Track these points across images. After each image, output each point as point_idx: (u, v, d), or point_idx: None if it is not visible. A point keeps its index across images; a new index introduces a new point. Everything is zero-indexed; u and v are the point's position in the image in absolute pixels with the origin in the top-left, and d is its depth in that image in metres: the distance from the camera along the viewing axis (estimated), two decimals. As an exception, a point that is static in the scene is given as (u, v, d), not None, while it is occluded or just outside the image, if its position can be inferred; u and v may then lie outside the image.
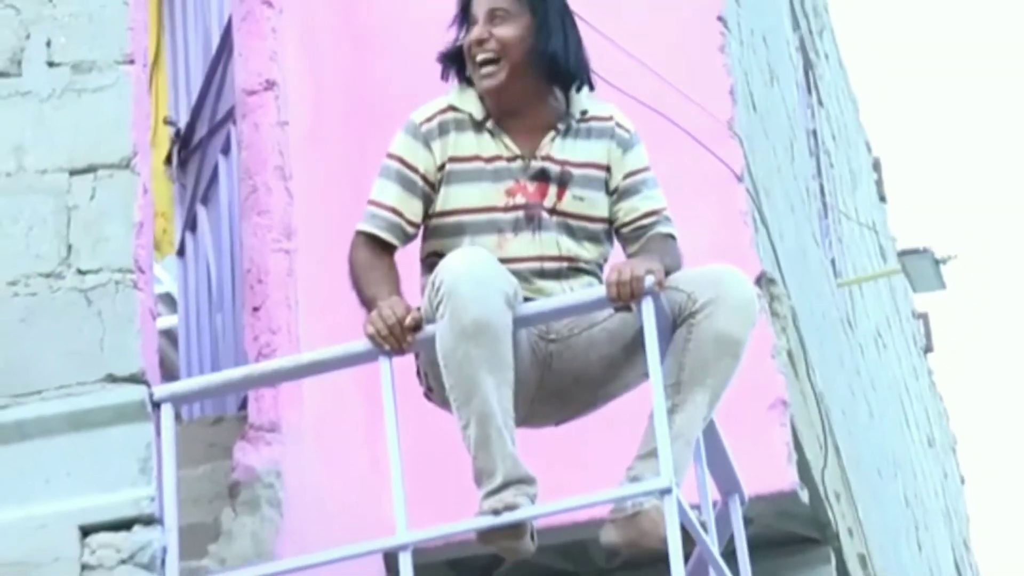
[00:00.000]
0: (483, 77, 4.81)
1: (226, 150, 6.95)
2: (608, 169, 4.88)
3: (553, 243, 4.81)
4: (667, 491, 4.60)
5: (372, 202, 4.83)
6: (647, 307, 4.71)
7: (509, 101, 4.83)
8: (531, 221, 4.80)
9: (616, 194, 4.89)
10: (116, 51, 5.20)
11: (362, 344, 4.80)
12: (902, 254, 11.82)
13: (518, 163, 4.82)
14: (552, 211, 4.81)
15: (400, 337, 4.64)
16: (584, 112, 4.89)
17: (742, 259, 7.13)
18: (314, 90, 6.75)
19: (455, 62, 4.90)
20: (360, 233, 4.81)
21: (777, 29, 9.22)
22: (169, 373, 7.37)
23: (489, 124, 4.84)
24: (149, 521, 4.81)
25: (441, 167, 4.82)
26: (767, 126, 8.23)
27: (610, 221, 4.91)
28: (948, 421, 16.16)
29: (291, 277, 6.19)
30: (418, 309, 4.65)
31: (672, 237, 4.94)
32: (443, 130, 4.84)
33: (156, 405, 4.90)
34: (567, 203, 4.82)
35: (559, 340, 4.79)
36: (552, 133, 4.84)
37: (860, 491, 8.74)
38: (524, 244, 4.80)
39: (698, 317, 4.72)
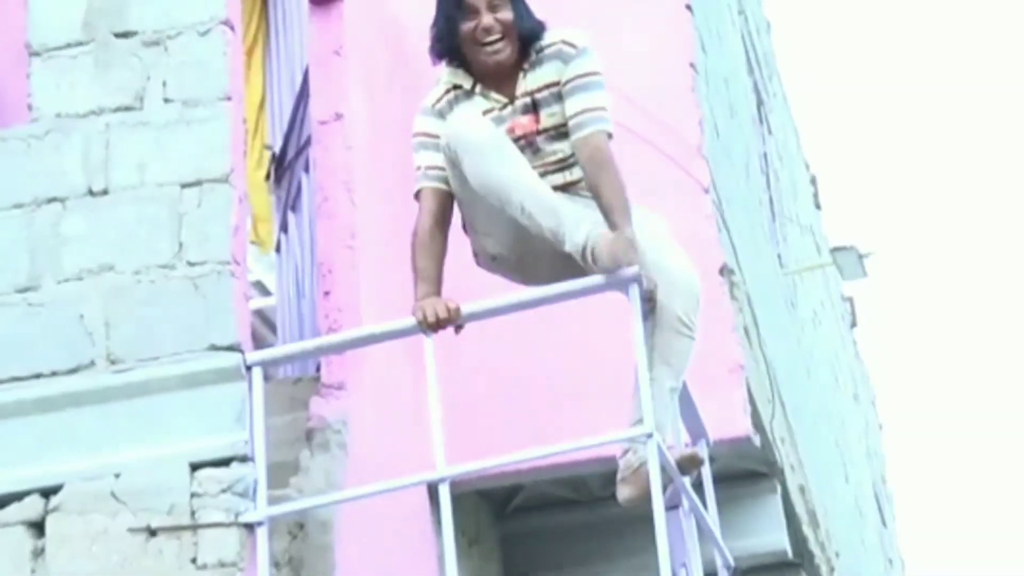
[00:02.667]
0: (492, 54, 4.80)
1: (307, 169, 6.97)
2: (559, 83, 4.84)
3: (550, 153, 4.83)
4: (649, 436, 4.59)
5: (417, 168, 4.87)
6: (633, 291, 4.70)
7: (504, 66, 4.82)
8: (531, 146, 4.82)
9: (564, 94, 4.84)
10: (217, 90, 5.19)
11: (410, 321, 4.80)
12: (833, 250, 11.77)
13: (508, 109, 4.83)
14: (540, 132, 4.82)
15: (439, 327, 4.68)
16: (538, 48, 4.85)
17: (709, 254, 7.11)
18: (372, 121, 6.74)
19: (446, 50, 4.86)
20: (420, 192, 4.83)
21: (736, 74, 9.19)
22: (258, 343, 7.38)
23: (477, 89, 4.84)
24: (243, 459, 4.81)
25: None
26: (728, 150, 8.21)
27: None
28: (869, 381, 16.15)
29: (354, 268, 6.19)
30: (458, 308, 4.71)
31: (597, 134, 4.80)
32: (450, 105, 4.85)
33: (248, 368, 4.89)
34: (545, 121, 4.82)
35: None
36: (520, 75, 4.83)
37: (800, 436, 8.73)
38: (530, 161, 4.81)
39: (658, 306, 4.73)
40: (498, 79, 4.85)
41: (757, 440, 7.03)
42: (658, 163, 7.13)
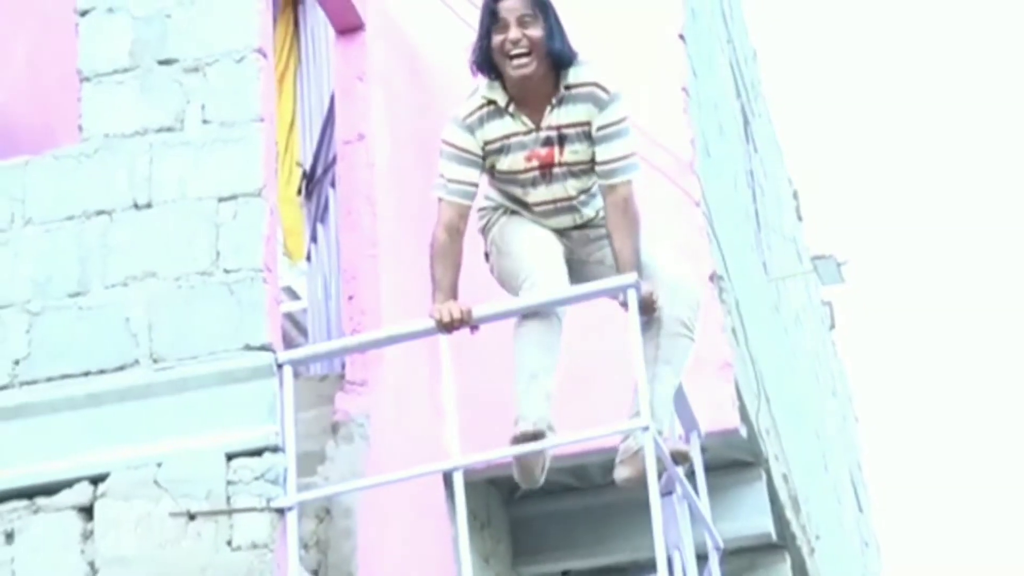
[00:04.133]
0: (518, 67, 4.75)
1: (334, 184, 6.95)
2: (589, 124, 4.82)
3: (562, 188, 4.81)
4: (646, 428, 4.58)
5: (441, 175, 4.82)
6: (631, 297, 4.70)
7: (530, 83, 4.77)
8: (544, 177, 4.80)
9: (595, 140, 4.82)
10: (251, 113, 5.18)
11: (427, 323, 4.78)
12: (813, 258, 11.73)
13: (532, 135, 4.80)
14: (559, 164, 4.80)
15: (454, 327, 4.69)
16: (568, 85, 4.80)
17: (700, 262, 7.09)
18: (393, 141, 6.73)
19: (485, 64, 4.82)
20: (441, 201, 4.81)
21: (725, 97, 9.17)
22: (288, 344, 7.37)
23: (511, 108, 4.80)
24: (275, 449, 4.79)
25: (482, 147, 4.81)
26: (718, 166, 8.18)
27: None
28: (846, 378, 16.10)
29: (376, 275, 6.18)
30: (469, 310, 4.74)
31: (625, 184, 4.82)
32: (480, 121, 4.81)
33: (279, 366, 4.89)
34: (567, 156, 4.80)
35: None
36: (549, 107, 4.79)
37: (783, 428, 8.70)
38: (541, 192, 4.81)
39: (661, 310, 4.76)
40: (529, 104, 4.79)
41: (744, 432, 7.01)
42: (653, 179, 7.10)
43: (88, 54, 5.32)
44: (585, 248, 4.89)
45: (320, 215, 7.31)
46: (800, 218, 13.51)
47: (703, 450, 5.41)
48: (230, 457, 4.80)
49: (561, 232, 4.88)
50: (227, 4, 5.27)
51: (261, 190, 5.08)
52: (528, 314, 4.69)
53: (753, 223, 9.88)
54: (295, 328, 8.81)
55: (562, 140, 4.79)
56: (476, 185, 4.83)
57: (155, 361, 4.93)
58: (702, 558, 5.16)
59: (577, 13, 7.62)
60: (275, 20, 7.38)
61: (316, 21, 7.93)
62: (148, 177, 5.15)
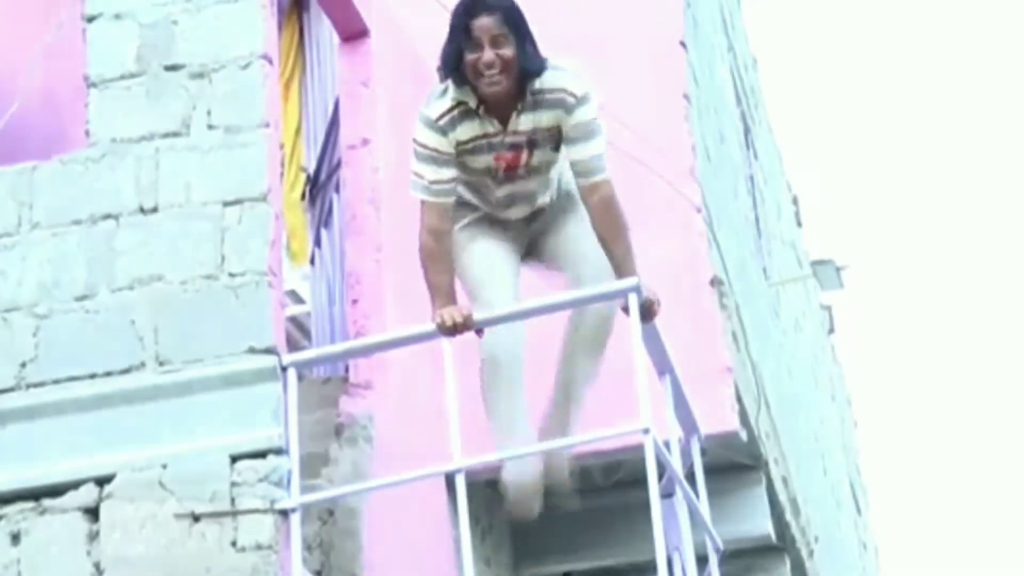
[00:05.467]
0: (491, 85, 4.77)
1: (338, 189, 6.95)
2: (558, 129, 4.85)
3: (523, 185, 4.87)
4: (646, 431, 4.57)
5: (418, 176, 4.86)
6: (632, 300, 4.70)
7: (501, 97, 4.80)
8: (509, 178, 4.86)
9: (568, 142, 4.85)
10: (257, 118, 5.17)
11: (430, 327, 4.78)
12: (813, 263, 11.76)
13: (499, 138, 4.83)
14: (526, 167, 4.85)
15: (456, 331, 4.72)
16: (535, 91, 4.81)
17: (700, 267, 7.10)
18: (397, 146, 6.72)
19: (453, 68, 4.83)
20: (424, 203, 4.86)
21: (725, 104, 9.17)
22: (292, 347, 7.37)
23: (480, 111, 4.82)
24: (278, 451, 4.78)
25: (454, 147, 4.84)
26: (718, 172, 8.18)
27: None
28: (845, 382, 16.09)
29: (380, 279, 6.18)
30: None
31: (602, 183, 4.85)
32: (453, 123, 4.83)
33: (284, 369, 4.88)
34: (535, 160, 4.85)
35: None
36: (516, 112, 4.81)
37: (783, 431, 8.69)
38: (504, 189, 4.87)
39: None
40: (498, 108, 4.82)
41: (744, 435, 7.01)
42: (655, 185, 7.12)
43: (95, 60, 5.32)
44: (541, 222, 4.97)
45: (324, 219, 7.32)
46: (800, 224, 13.51)
47: (703, 453, 5.41)
48: (235, 459, 4.78)
49: (516, 224, 4.94)
50: (233, 11, 5.27)
51: (266, 195, 5.08)
52: (489, 359, 4.77)
53: (753, 229, 9.88)
54: (299, 331, 8.81)
55: (531, 145, 4.83)
56: (455, 182, 4.87)
57: (161, 364, 4.93)
58: (702, 560, 5.16)
59: (578, 20, 7.66)
60: (280, 26, 7.39)
61: (321, 27, 7.94)
62: (154, 182, 5.15)
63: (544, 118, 4.81)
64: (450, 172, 4.83)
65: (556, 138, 4.84)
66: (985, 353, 38.64)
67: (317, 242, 7.44)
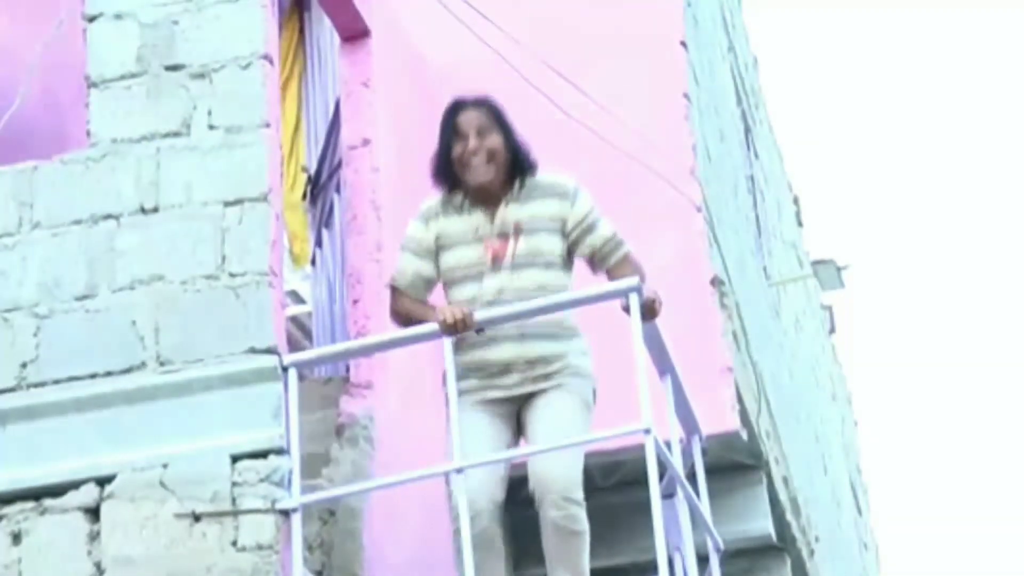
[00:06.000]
0: (476, 175, 4.86)
1: (339, 189, 6.95)
2: (564, 221, 4.88)
3: (509, 279, 4.83)
4: (647, 431, 4.56)
5: (398, 266, 4.98)
6: (633, 300, 4.70)
7: (489, 188, 4.88)
8: (494, 268, 4.85)
9: (576, 233, 4.89)
10: (257, 118, 5.17)
11: (430, 327, 4.78)
12: (813, 263, 11.76)
13: (488, 227, 4.87)
14: (512, 256, 4.84)
15: (456, 329, 4.71)
16: (525, 183, 4.89)
17: (701, 267, 7.10)
18: (397, 146, 6.73)
19: (444, 176, 4.93)
20: (394, 290, 4.97)
21: (726, 103, 9.17)
22: (293, 347, 7.36)
23: (465, 205, 4.90)
24: (279, 452, 4.78)
25: (436, 239, 4.92)
26: (719, 172, 8.18)
27: (569, 252, 4.92)
28: (845, 382, 16.09)
29: (380, 279, 6.17)
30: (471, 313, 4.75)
31: (629, 253, 4.96)
32: (436, 215, 4.93)
33: (284, 369, 4.88)
34: (521, 248, 4.85)
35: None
36: (504, 203, 4.88)
37: (783, 431, 8.69)
38: (492, 282, 4.83)
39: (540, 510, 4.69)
40: (487, 199, 4.88)
41: (745, 435, 7.01)
42: (655, 185, 7.12)
43: (96, 60, 5.32)
44: (532, 393, 4.83)
45: (325, 220, 7.31)
46: (800, 223, 13.51)
47: (704, 453, 5.41)
48: (235, 459, 4.78)
49: (505, 402, 4.82)
50: (234, 11, 5.27)
51: (267, 195, 5.07)
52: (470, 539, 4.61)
53: (754, 228, 9.88)
54: (300, 332, 8.82)
55: (517, 233, 4.85)
56: (430, 279, 4.94)
57: (161, 364, 4.93)
58: (703, 560, 5.16)
59: (579, 20, 7.66)
60: (281, 26, 7.39)
61: (322, 27, 7.93)
62: (155, 182, 5.14)
63: (539, 208, 4.87)
64: (426, 266, 4.91)
65: (555, 230, 4.87)
66: (986, 353, 38.64)
67: (318, 242, 7.43)
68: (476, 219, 4.88)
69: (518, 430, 4.86)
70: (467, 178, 4.88)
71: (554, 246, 4.88)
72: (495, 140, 4.86)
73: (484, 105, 4.93)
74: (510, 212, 4.87)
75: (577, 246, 4.91)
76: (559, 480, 4.62)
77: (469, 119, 4.89)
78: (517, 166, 4.88)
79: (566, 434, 4.67)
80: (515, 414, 4.84)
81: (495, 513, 4.71)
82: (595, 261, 4.93)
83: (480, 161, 4.84)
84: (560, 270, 4.90)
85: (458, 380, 4.75)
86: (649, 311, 4.72)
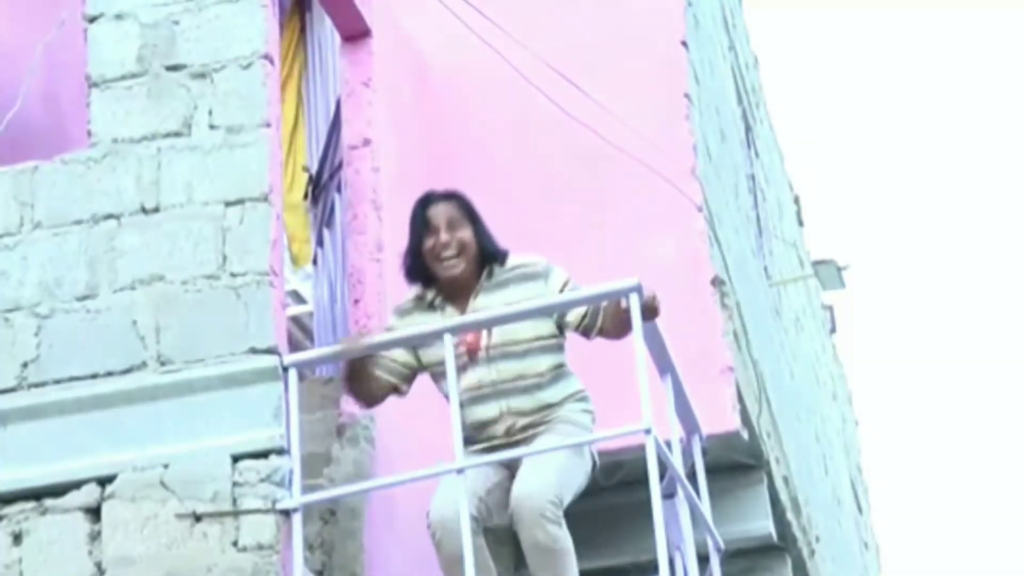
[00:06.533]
0: (447, 268, 4.90)
1: (340, 189, 6.95)
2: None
3: (486, 372, 4.84)
4: (648, 431, 4.56)
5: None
6: (634, 300, 4.69)
7: (460, 280, 4.90)
8: (471, 360, 4.86)
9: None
10: (258, 118, 5.17)
11: (432, 326, 4.79)
12: (814, 263, 11.73)
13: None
14: (487, 348, 4.85)
15: (356, 351, 4.86)
16: (495, 273, 4.91)
17: (701, 267, 7.10)
18: (398, 145, 6.73)
19: (417, 271, 4.96)
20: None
21: (726, 103, 9.17)
22: (294, 347, 7.37)
23: (437, 302, 4.94)
24: (280, 452, 4.78)
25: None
26: (719, 172, 8.18)
27: (559, 328, 4.90)
28: (846, 381, 16.09)
29: (381, 279, 6.17)
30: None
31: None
32: (411, 311, 4.98)
33: (285, 369, 4.88)
34: (495, 339, 4.86)
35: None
36: (473, 296, 4.90)
37: (784, 431, 8.69)
38: (471, 376, 4.85)
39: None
40: (457, 296, 4.91)
41: (745, 435, 7.01)
42: (656, 184, 7.11)
43: (97, 60, 5.32)
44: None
45: (326, 220, 7.31)
46: (801, 223, 13.52)
47: (704, 453, 5.41)
48: (236, 459, 4.78)
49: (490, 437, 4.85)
50: (234, 11, 5.27)
51: (267, 195, 5.07)
52: (436, 524, 4.70)
53: (754, 228, 9.88)
54: (301, 332, 8.82)
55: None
56: (405, 367, 4.97)
57: (162, 364, 4.93)
58: (703, 559, 5.16)
59: (580, 20, 7.66)
60: (282, 26, 7.39)
61: (322, 27, 7.94)
62: (156, 182, 5.15)
63: (512, 295, 4.86)
64: (399, 353, 4.94)
65: (533, 312, 4.83)
66: (986, 351, 38.64)
67: (319, 242, 7.43)
68: (449, 315, 4.92)
69: (511, 477, 4.81)
70: (438, 272, 4.92)
71: (533, 330, 4.86)
72: (465, 233, 4.91)
73: (453, 198, 4.98)
74: (480, 304, 4.88)
75: (567, 320, 4.87)
76: (533, 498, 4.61)
77: (439, 212, 4.93)
78: (486, 257, 4.91)
79: (549, 459, 4.68)
80: (507, 465, 4.83)
81: (473, 527, 4.69)
82: (587, 323, 4.87)
83: (451, 254, 4.89)
84: (541, 354, 4.87)
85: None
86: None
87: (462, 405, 4.78)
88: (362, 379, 4.94)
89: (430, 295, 4.96)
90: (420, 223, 4.95)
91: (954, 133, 42.71)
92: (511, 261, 4.96)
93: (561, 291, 4.87)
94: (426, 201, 5.00)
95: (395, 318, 5.03)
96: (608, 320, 4.79)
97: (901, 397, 37.87)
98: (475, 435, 4.86)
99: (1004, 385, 37.95)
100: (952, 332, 40.00)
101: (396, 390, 5.03)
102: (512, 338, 4.85)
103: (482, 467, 4.79)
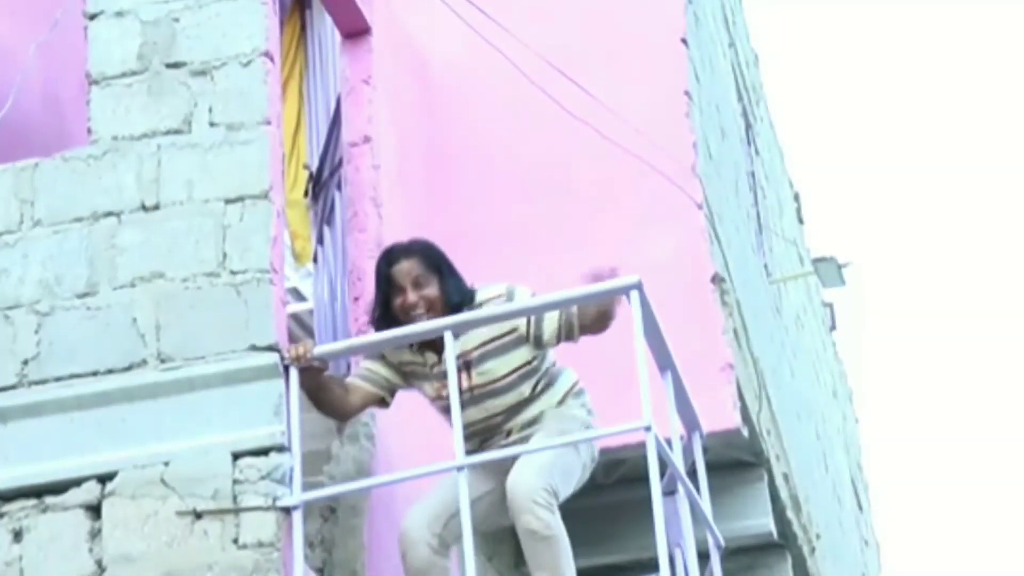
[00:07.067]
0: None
1: (340, 186, 6.95)
2: (514, 329, 4.86)
3: (476, 411, 4.83)
4: (648, 428, 4.57)
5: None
6: (633, 296, 4.69)
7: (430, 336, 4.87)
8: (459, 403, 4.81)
9: (533, 326, 4.86)
10: (258, 115, 5.17)
11: (432, 324, 4.79)
12: (814, 260, 11.73)
13: (436, 369, 4.90)
14: (472, 388, 4.83)
15: (304, 360, 4.84)
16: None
17: (701, 264, 7.10)
18: (398, 143, 6.73)
19: (385, 323, 4.95)
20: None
21: (726, 100, 9.17)
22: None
23: (415, 346, 4.95)
24: (280, 449, 4.78)
25: (398, 364, 5.01)
26: (719, 169, 8.18)
27: (538, 346, 4.88)
28: (846, 379, 16.09)
29: (381, 276, 6.17)
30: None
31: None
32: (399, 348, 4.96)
33: (286, 367, 4.88)
34: (476, 380, 4.86)
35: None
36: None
37: (784, 429, 8.70)
38: (461, 416, 4.79)
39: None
40: (430, 342, 4.89)
41: (745, 432, 7.02)
42: (656, 182, 7.12)
43: (97, 57, 5.32)
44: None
45: (326, 217, 7.31)
46: (801, 220, 13.52)
47: (705, 450, 5.41)
48: (237, 456, 4.78)
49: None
50: (235, 8, 5.27)
51: (268, 192, 5.07)
52: (401, 537, 4.80)
53: (754, 225, 9.88)
54: (301, 329, 8.80)
55: (468, 366, 4.84)
56: (387, 381, 4.99)
57: (162, 361, 4.93)
58: (704, 557, 5.16)
59: (580, 17, 7.66)
60: (282, 24, 7.38)
61: (323, 25, 7.93)
62: (156, 179, 5.15)
63: (485, 331, 4.85)
64: (379, 366, 4.99)
65: (508, 345, 4.85)
66: (987, 349, 38.66)
67: (319, 239, 7.43)
68: (428, 357, 4.94)
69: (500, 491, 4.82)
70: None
71: (510, 364, 4.86)
72: (431, 290, 4.89)
73: (416, 253, 4.95)
74: (458, 348, 4.84)
75: (542, 334, 4.86)
76: (525, 484, 4.64)
77: (403, 271, 4.92)
78: (454, 308, 4.86)
79: (539, 456, 4.69)
80: (501, 472, 4.84)
81: (436, 546, 4.75)
82: (568, 335, 4.86)
83: (420, 313, 4.88)
84: (524, 381, 4.87)
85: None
86: (603, 316, 4.71)
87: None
88: (320, 395, 4.90)
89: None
90: (385, 282, 4.94)
91: (955, 130, 42.73)
92: (478, 296, 4.93)
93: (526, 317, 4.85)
94: (389, 259, 4.97)
95: (374, 358, 5.03)
96: (586, 317, 4.78)
97: (902, 395, 37.89)
98: (470, 437, 4.87)
99: (1007, 383, 37.97)
100: (953, 329, 40.03)
101: (382, 402, 5.05)
102: (493, 376, 4.87)
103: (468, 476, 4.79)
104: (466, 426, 4.79)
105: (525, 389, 4.88)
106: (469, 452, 4.79)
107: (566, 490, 4.76)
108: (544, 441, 4.78)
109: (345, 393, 4.98)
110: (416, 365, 4.97)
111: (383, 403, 5.07)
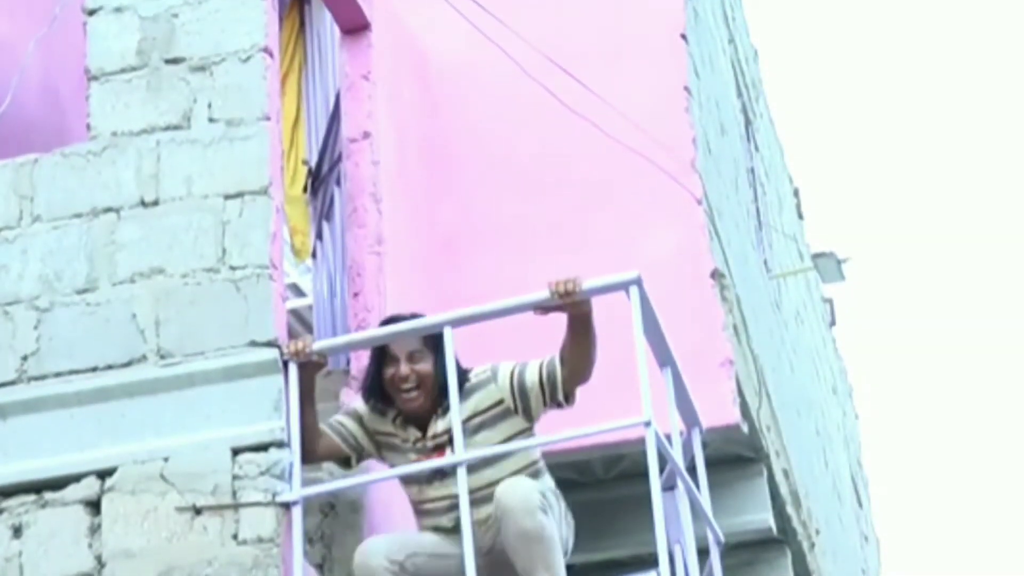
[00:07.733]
0: (408, 401, 4.87)
1: (339, 182, 6.95)
2: (501, 401, 4.85)
3: (453, 485, 4.75)
4: (648, 424, 4.57)
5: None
6: (633, 293, 4.69)
7: (419, 411, 4.87)
8: (440, 477, 4.83)
9: (519, 396, 4.84)
10: (258, 111, 5.17)
11: (432, 320, 4.79)
12: (814, 256, 11.73)
13: (419, 444, 4.87)
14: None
15: (303, 356, 4.85)
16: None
17: (701, 260, 7.10)
18: (397, 139, 6.73)
19: (375, 392, 4.94)
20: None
21: (726, 96, 9.17)
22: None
23: (398, 421, 4.92)
24: (280, 445, 4.79)
25: (373, 433, 4.97)
26: (719, 165, 8.18)
27: (528, 418, 4.86)
28: (846, 375, 16.10)
29: (380, 272, 6.18)
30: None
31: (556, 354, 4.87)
32: (368, 413, 4.96)
33: (285, 363, 4.89)
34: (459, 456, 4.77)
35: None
36: (434, 419, 4.87)
37: (784, 424, 8.70)
38: (434, 490, 4.84)
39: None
40: (414, 419, 4.88)
41: (745, 428, 7.01)
42: (656, 177, 7.12)
43: (96, 53, 5.32)
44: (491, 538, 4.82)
45: (326, 213, 7.31)
46: (801, 216, 13.52)
47: (704, 446, 5.41)
48: (236, 452, 4.79)
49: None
50: (234, 4, 5.27)
51: (267, 188, 5.08)
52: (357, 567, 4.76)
53: (754, 221, 9.88)
54: (301, 325, 8.81)
55: (452, 443, 4.80)
56: (354, 440, 4.96)
57: (162, 357, 4.94)
58: (703, 552, 5.16)
59: (580, 13, 7.66)
60: (281, 19, 7.39)
61: (322, 20, 7.93)
62: (155, 175, 5.15)
63: (473, 404, 4.83)
64: (350, 423, 4.96)
65: (494, 420, 4.84)
66: (987, 345, 38.66)
67: (318, 235, 7.43)
68: (410, 433, 4.91)
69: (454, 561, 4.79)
70: (397, 400, 4.91)
71: (500, 435, 4.84)
72: (425, 366, 4.86)
73: None
74: (440, 427, 4.85)
75: (529, 403, 4.85)
76: (522, 490, 4.64)
77: (400, 343, 4.89)
78: (445, 390, 4.80)
79: (519, 480, 4.69)
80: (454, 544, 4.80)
81: (396, 572, 4.74)
82: (553, 394, 4.83)
83: (410, 387, 4.86)
84: (507, 458, 4.83)
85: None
86: (580, 313, 4.69)
87: (428, 513, 4.84)
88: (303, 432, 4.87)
89: (391, 413, 4.95)
90: (379, 350, 4.93)
91: (954, 125, 42.73)
92: (471, 377, 4.90)
93: (511, 378, 4.84)
94: (387, 325, 4.96)
95: (361, 403, 5.01)
96: (570, 360, 4.74)
97: (902, 391, 37.90)
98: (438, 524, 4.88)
99: (1006, 378, 37.98)
100: (953, 325, 40.03)
101: (346, 461, 4.99)
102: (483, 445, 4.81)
103: (416, 531, 4.86)
104: (438, 498, 4.83)
105: (510, 469, 4.83)
106: (448, 530, 4.80)
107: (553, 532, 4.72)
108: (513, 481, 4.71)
109: (316, 436, 4.94)
110: (394, 438, 4.93)
111: (346, 463, 5.01)
